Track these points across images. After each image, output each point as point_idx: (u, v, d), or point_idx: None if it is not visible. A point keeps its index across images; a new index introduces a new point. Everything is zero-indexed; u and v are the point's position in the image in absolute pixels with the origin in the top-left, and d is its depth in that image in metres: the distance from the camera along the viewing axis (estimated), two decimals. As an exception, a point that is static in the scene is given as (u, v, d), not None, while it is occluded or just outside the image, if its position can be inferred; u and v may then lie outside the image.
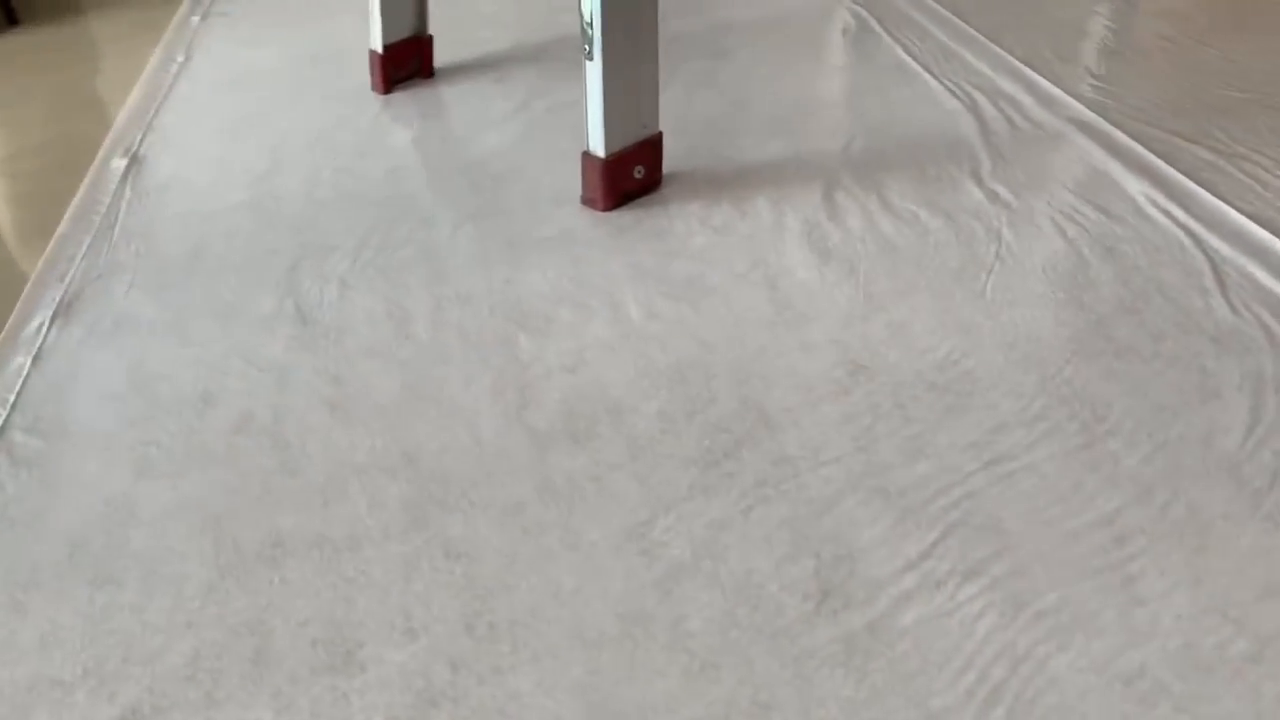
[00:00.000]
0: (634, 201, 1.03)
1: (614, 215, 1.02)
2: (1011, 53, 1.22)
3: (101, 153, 1.28)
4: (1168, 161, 0.98)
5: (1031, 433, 0.71)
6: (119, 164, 1.24)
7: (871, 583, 0.62)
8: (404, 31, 1.33)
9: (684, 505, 0.69)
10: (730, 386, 0.78)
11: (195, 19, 1.70)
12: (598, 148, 1.01)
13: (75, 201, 1.17)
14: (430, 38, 1.34)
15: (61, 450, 0.80)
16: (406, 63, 1.34)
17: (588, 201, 1.03)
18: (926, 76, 1.19)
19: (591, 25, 0.97)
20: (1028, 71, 1.17)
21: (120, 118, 1.37)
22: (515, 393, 0.81)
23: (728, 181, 1.05)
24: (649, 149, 1.03)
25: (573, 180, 1.07)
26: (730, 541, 0.66)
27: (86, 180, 1.22)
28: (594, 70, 0.98)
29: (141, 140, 1.29)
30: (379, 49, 1.32)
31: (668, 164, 1.07)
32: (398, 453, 0.76)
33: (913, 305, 0.84)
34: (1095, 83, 1.13)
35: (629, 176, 1.03)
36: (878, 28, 1.33)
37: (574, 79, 1.30)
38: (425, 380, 0.83)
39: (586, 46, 0.98)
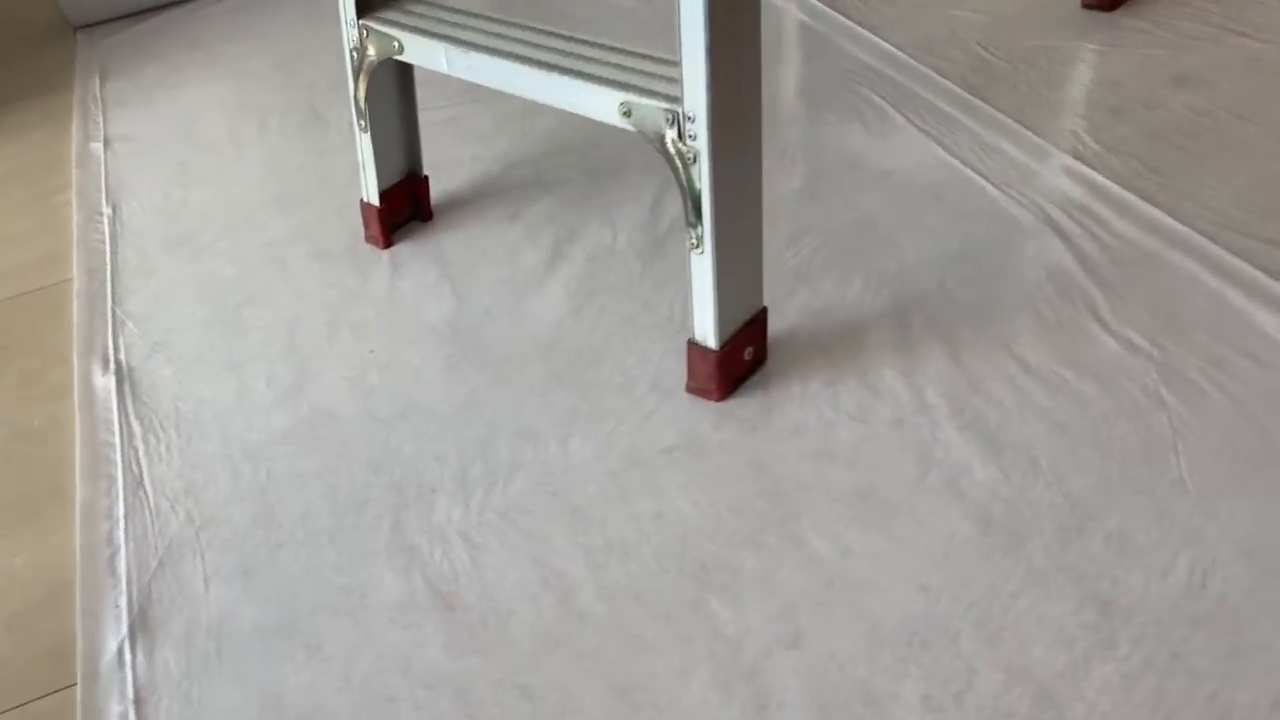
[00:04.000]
0: (746, 382, 0.96)
1: (733, 405, 0.94)
2: (1052, 141, 1.19)
3: (76, 366, 1.10)
4: (1287, 284, 0.97)
5: (1331, 676, 0.68)
6: (104, 382, 1.07)
7: None
8: (398, 175, 1.19)
9: (1013, 831, 0.63)
10: (980, 648, 0.73)
11: (96, 145, 1.49)
12: (708, 338, 0.93)
13: (78, 450, 1.00)
14: (426, 177, 1.21)
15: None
16: (403, 209, 1.21)
17: (697, 391, 0.95)
18: (980, 181, 1.15)
19: (700, 219, 0.88)
20: (1084, 169, 1.14)
21: (76, 309, 1.19)
22: (744, 687, 0.73)
23: (833, 346, 0.98)
24: (757, 327, 0.95)
25: (662, 359, 0.98)
26: None
27: (77, 415, 1.04)
28: (703, 263, 0.89)
29: (116, 342, 1.12)
30: (375, 200, 1.18)
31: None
32: (651, 796, 0.68)
33: (1120, 508, 0.80)
34: (1157, 178, 1.11)
35: (740, 360, 0.95)
36: (893, 113, 1.27)
37: (594, 208, 1.20)
38: (631, 680, 0.74)
39: (694, 241, 0.89)
